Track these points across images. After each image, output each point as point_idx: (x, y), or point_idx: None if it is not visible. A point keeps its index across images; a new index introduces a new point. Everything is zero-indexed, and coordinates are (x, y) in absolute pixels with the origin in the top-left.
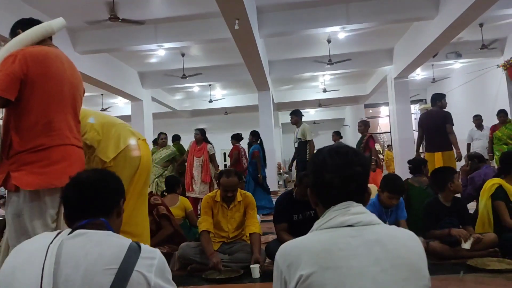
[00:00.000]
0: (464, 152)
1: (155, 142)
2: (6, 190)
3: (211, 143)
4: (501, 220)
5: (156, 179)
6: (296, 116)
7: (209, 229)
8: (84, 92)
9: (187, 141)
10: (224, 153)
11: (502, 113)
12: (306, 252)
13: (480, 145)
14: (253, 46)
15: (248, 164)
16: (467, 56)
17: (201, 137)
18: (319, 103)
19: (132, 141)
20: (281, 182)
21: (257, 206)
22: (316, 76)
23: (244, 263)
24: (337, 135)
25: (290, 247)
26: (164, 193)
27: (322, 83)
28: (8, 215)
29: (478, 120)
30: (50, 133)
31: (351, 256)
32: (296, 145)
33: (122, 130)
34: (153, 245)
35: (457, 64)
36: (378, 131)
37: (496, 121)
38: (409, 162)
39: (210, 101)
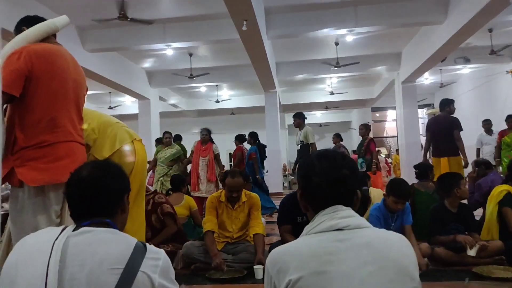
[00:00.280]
0: (473, 157)
1: (159, 141)
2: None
3: (215, 143)
4: (509, 227)
5: (161, 178)
6: (299, 119)
7: (213, 229)
8: (87, 89)
9: (192, 141)
10: (230, 154)
11: (510, 118)
12: (295, 257)
13: (489, 150)
14: (261, 47)
15: (245, 165)
16: (475, 61)
17: (208, 137)
18: (325, 106)
19: (127, 147)
20: (286, 184)
21: None
22: (323, 79)
23: (248, 263)
24: (337, 137)
25: (279, 253)
26: (169, 191)
27: (329, 86)
28: (12, 210)
29: (487, 125)
30: (54, 130)
31: (339, 260)
32: (299, 147)
33: (118, 130)
34: (157, 243)
35: (465, 69)
36: (385, 135)
37: (504, 126)
38: (416, 167)
39: (217, 101)
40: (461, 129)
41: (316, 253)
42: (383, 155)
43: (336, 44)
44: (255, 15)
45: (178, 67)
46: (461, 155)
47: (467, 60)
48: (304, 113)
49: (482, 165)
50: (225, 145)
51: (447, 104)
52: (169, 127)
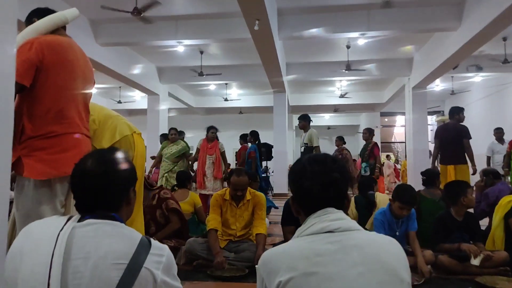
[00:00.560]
0: (483, 165)
1: (164, 137)
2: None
3: (220, 141)
4: None
5: (166, 174)
6: (304, 121)
7: (216, 227)
8: (94, 83)
9: (197, 139)
10: (236, 152)
11: None
12: (285, 259)
13: (500, 160)
14: (272, 47)
15: (245, 164)
16: (488, 69)
17: (216, 135)
18: (334, 108)
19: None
20: None
21: None
22: (333, 81)
23: (250, 262)
24: (340, 140)
25: (270, 255)
26: (175, 187)
27: (338, 89)
28: (17, 198)
29: (499, 133)
30: (62, 121)
31: (329, 261)
32: (302, 149)
33: (118, 122)
34: (160, 238)
35: (477, 77)
36: (393, 140)
37: None
38: (423, 173)
39: (226, 99)
40: (470, 137)
41: (307, 255)
42: (392, 161)
43: (348, 47)
44: (268, 15)
45: (188, 64)
46: (469, 163)
47: (479, 68)
48: (312, 115)
49: (490, 175)
50: (232, 144)
51: (457, 112)
52: (177, 123)
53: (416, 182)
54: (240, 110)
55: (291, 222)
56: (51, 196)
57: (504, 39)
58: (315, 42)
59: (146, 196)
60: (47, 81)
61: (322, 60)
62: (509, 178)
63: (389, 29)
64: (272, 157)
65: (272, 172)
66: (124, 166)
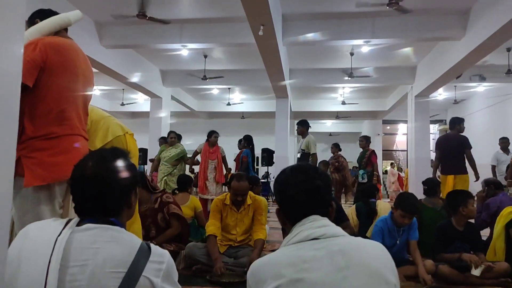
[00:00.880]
0: (486, 175)
1: (162, 140)
2: None
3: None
4: None
5: (165, 177)
6: (303, 127)
7: (216, 233)
8: (93, 85)
9: (199, 143)
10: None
11: None
12: (272, 267)
13: (504, 170)
14: (276, 53)
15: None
16: (491, 80)
17: (217, 140)
18: (336, 115)
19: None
20: None
21: None
22: (336, 88)
23: None
24: (336, 147)
25: (258, 265)
26: (175, 191)
27: (341, 95)
28: (15, 199)
29: (504, 143)
30: (62, 122)
31: (315, 267)
32: (299, 155)
33: (111, 122)
34: (160, 242)
35: (480, 87)
36: (395, 148)
37: None
38: (424, 183)
39: (228, 104)
40: (471, 147)
41: (293, 262)
42: (396, 169)
43: (351, 54)
44: (273, 21)
45: (192, 67)
46: (469, 173)
47: (482, 78)
48: (314, 121)
49: (491, 185)
50: (234, 148)
51: (458, 123)
52: (179, 127)
53: (417, 191)
54: (243, 115)
55: None
56: (49, 198)
57: (508, 49)
58: (318, 48)
59: (148, 199)
60: (50, 82)
61: (325, 66)
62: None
63: (394, 37)
64: (273, 162)
65: (273, 177)
66: (125, 168)
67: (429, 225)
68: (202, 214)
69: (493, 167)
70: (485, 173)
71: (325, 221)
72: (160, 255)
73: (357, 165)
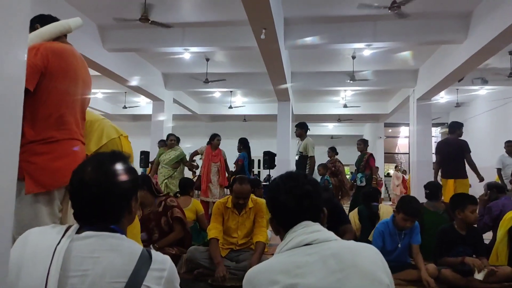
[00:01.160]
0: (487, 178)
1: (163, 143)
2: None
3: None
4: None
5: (166, 180)
6: (301, 129)
7: (218, 237)
8: (91, 90)
9: (200, 146)
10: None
11: None
12: (267, 274)
13: (510, 173)
14: (278, 56)
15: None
16: (493, 83)
17: (219, 143)
18: (338, 118)
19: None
20: None
21: None
22: (338, 91)
23: None
24: (332, 151)
25: (253, 272)
26: (177, 194)
27: (343, 98)
28: (15, 203)
29: (510, 147)
30: (61, 127)
31: (308, 272)
32: (297, 157)
33: (105, 125)
34: (163, 246)
35: (482, 90)
36: (396, 151)
37: None
38: (426, 187)
39: (230, 107)
40: (470, 151)
41: (287, 268)
42: (400, 172)
43: (353, 57)
44: (275, 24)
45: (194, 71)
46: (476, 175)
47: (484, 81)
48: (316, 124)
49: (494, 189)
50: (235, 151)
51: (458, 127)
52: (181, 130)
53: (419, 194)
54: (244, 118)
55: None
56: (49, 201)
57: (510, 53)
58: (320, 51)
59: (152, 202)
60: (50, 87)
61: (327, 70)
62: None
63: (395, 40)
64: (275, 165)
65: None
66: (125, 173)
67: (431, 228)
68: (204, 217)
69: (499, 170)
70: (487, 176)
71: (317, 226)
72: (161, 262)
73: (356, 169)
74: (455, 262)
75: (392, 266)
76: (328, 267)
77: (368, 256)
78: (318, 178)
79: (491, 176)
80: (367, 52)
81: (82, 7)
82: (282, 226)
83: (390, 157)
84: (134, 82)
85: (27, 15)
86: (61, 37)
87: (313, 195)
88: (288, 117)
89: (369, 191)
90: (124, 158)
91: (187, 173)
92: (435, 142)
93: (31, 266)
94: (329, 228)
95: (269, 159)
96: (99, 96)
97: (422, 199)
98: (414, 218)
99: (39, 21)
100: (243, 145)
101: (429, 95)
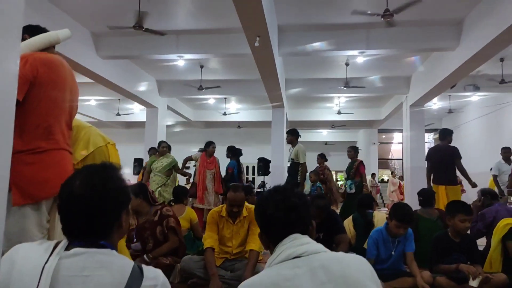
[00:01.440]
0: (480, 183)
1: (153, 150)
2: None
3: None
4: None
5: (159, 188)
6: (292, 136)
7: (213, 246)
8: (78, 100)
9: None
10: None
11: None
12: None
13: (506, 180)
14: (272, 63)
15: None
16: (485, 89)
17: (214, 151)
18: (332, 124)
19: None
20: None
21: None
22: (332, 97)
23: None
24: (322, 158)
25: (244, 287)
26: (171, 202)
27: (337, 105)
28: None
29: (506, 153)
30: (49, 137)
31: (298, 285)
32: (289, 164)
33: (91, 133)
34: (157, 255)
35: (474, 97)
36: (390, 157)
37: None
38: (419, 194)
39: (224, 114)
40: (461, 157)
41: (277, 282)
42: (396, 178)
43: (347, 64)
44: (268, 32)
45: (188, 78)
46: (467, 180)
47: (476, 88)
48: (310, 130)
49: (488, 195)
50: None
51: (449, 134)
52: (175, 136)
53: (413, 199)
54: (239, 124)
55: None
56: (37, 212)
57: (501, 59)
58: (314, 58)
59: (148, 211)
60: (39, 97)
61: (321, 76)
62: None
63: (388, 47)
64: (270, 172)
65: (270, 187)
66: (115, 187)
67: (425, 235)
68: (198, 225)
69: (495, 177)
70: (480, 181)
71: (306, 238)
72: (153, 278)
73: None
74: (450, 270)
75: (387, 274)
76: (317, 279)
77: (357, 266)
78: (309, 184)
79: (483, 182)
80: (360, 59)
81: (76, 15)
82: (271, 240)
83: (384, 163)
84: (128, 89)
85: (20, 27)
86: (49, 47)
87: (300, 208)
88: (282, 123)
89: (363, 199)
90: (115, 170)
91: (181, 180)
92: (428, 148)
93: (19, 287)
94: (324, 237)
95: (264, 165)
96: (92, 103)
97: (416, 205)
98: (407, 224)
99: (28, 31)
100: (232, 153)
101: (422, 101)
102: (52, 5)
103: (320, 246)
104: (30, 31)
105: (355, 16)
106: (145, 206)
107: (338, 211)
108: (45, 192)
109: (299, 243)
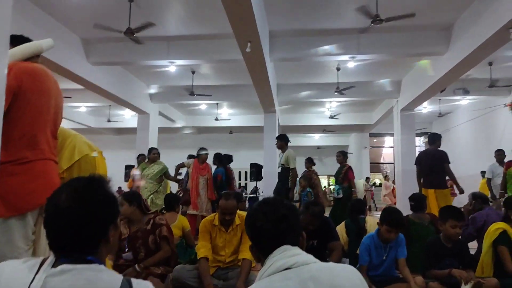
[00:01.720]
0: (471, 186)
1: (143, 157)
2: None
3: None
4: (504, 266)
5: (152, 195)
6: (281, 141)
7: (207, 255)
8: (62, 110)
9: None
10: None
11: None
12: None
13: (499, 183)
14: (263, 69)
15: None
16: (474, 93)
17: (207, 157)
18: (324, 129)
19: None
20: None
21: None
22: (323, 102)
23: None
24: (309, 162)
25: None
26: (163, 210)
27: (328, 109)
28: None
29: (500, 156)
30: (34, 147)
31: None
32: (279, 170)
33: (77, 141)
34: (149, 265)
35: (464, 100)
36: (382, 161)
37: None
38: (411, 199)
39: (216, 119)
40: (449, 162)
41: None
42: (390, 182)
43: (338, 69)
44: (260, 38)
45: (180, 83)
46: (450, 187)
47: (466, 92)
48: (302, 135)
49: (479, 199)
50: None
51: (438, 138)
52: (167, 142)
53: (405, 203)
54: (231, 130)
55: None
56: (22, 224)
57: (490, 64)
58: (305, 64)
59: (140, 220)
60: (23, 107)
61: (312, 81)
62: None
63: (378, 52)
64: (262, 177)
65: (262, 192)
66: (103, 200)
67: (418, 240)
68: (190, 233)
69: (489, 180)
70: (470, 184)
71: (296, 250)
72: None
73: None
74: (442, 275)
75: (380, 280)
76: None
77: (346, 276)
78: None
79: (474, 184)
80: (351, 64)
81: (66, 21)
82: (261, 252)
83: (375, 166)
84: (119, 95)
85: (7, 35)
86: (33, 57)
87: (289, 218)
88: (275, 128)
89: (355, 204)
90: (102, 183)
91: (174, 186)
92: (419, 151)
93: None
94: (318, 244)
95: (256, 171)
96: (82, 110)
97: (408, 207)
98: (398, 228)
99: (11, 41)
100: (218, 160)
101: (412, 105)
102: (43, 11)
103: (310, 257)
104: (13, 41)
105: (346, 22)
106: (138, 214)
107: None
108: (31, 203)
109: (289, 254)
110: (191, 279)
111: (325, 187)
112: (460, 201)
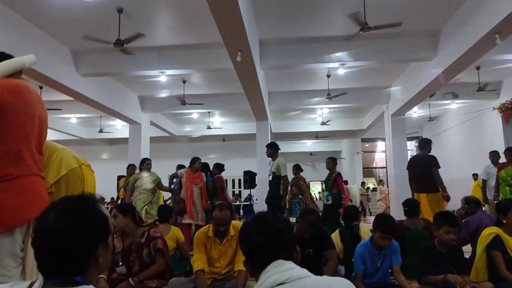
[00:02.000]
0: (463, 189)
1: (133, 167)
2: None
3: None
4: (497, 270)
5: (146, 206)
6: (271, 149)
7: (204, 268)
8: (47, 125)
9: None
10: None
11: (508, 151)
12: None
13: (493, 184)
14: (254, 77)
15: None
16: (463, 97)
17: (200, 166)
18: (316, 135)
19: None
20: None
21: None
22: (315, 109)
23: None
24: (297, 169)
25: None
26: (156, 222)
27: (320, 116)
28: None
29: (494, 157)
30: (19, 163)
31: None
32: (270, 178)
33: (64, 155)
34: (143, 279)
35: (453, 104)
36: (374, 165)
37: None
38: (404, 204)
39: (209, 127)
40: (439, 167)
41: None
42: (385, 186)
43: (328, 76)
44: (250, 47)
45: (171, 93)
46: (441, 191)
47: (455, 96)
48: (294, 141)
49: (471, 203)
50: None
51: (428, 143)
52: (159, 152)
53: (398, 207)
54: (223, 138)
55: None
56: (10, 241)
57: (478, 68)
58: (296, 71)
59: (134, 232)
60: (6, 124)
61: (303, 88)
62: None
63: (367, 59)
64: (256, 184)
65: (256, 199)
66: (92, 220)
67: (412, 246)
68: (184, 244)
69: (484, 181)
70: (461, 187)
71: (290, 264)
72: None
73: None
74: (438, 280)
75: None
76: None
77: None
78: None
79: (464, 187)
80: (341, 71)
81: (55, 33)
82: (256, 267)
83: (368, 171)
84: (109, 106)
85: None
86: (16, 73)
87: (283, 232)
88: (267, 135)
89: (349, 211)
90: (92, 202)
91: (167, 196)
92: (411, 155)
93: None
94: (314, 253)
95: (250, 178)
96: (73, 121)
97: (401, 212)
98: (391, 234)
99: None
100: (205, 170)
101: (403, 110)
102: (31, 23)
103: (304, 271)
104: None
105: (335, 30)
106: (132, 227)
107: None
108: (18, 220)
109: (284, 269)
110: None
111: (319, 192)
112: (454, 203)
